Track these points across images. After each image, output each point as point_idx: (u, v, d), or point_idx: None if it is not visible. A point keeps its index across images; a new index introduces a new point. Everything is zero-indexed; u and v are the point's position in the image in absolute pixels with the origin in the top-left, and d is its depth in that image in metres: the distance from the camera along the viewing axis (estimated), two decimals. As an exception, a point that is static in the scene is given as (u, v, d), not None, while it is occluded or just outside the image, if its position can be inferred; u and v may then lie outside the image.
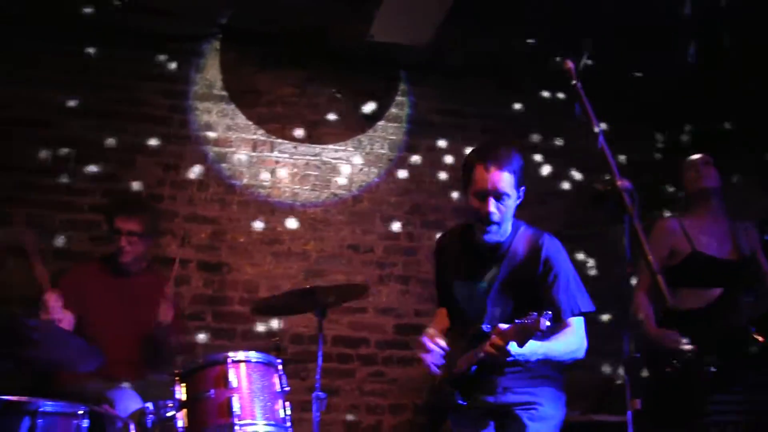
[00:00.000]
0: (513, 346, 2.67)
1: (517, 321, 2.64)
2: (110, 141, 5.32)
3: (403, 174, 5.75)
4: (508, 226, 3.06)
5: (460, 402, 3.02)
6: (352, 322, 5.41)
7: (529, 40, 5.38)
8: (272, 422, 3.16)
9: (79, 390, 3.86)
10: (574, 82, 2.50)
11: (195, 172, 5.41)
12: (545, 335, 2.73)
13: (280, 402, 3.26)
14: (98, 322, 4.20)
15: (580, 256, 5.66)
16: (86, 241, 5.12)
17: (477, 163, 2.97)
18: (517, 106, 5.98)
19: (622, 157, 5.90)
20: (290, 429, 3.24)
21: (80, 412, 3.34)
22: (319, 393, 3.75)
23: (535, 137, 6.00)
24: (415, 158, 5.79)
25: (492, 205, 2.94)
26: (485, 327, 2.93)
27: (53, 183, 5.16)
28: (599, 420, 4.67)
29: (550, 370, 3.06)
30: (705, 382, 3.78)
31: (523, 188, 3.03)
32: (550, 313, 2.58)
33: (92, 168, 5.24)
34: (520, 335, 2.63)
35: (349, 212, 5.59)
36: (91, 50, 5.40)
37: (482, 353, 2.80)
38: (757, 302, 3.89)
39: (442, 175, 5.79)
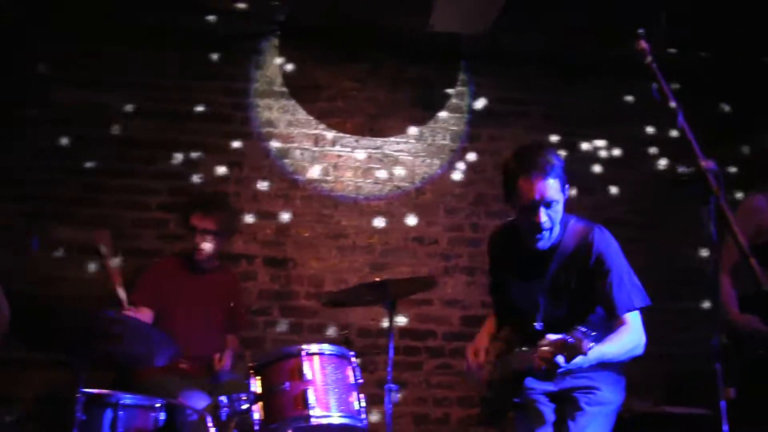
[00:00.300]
0: (561, 360, 2.61)
1: (562, 336, 2.56)
2: (174, 141, 5.41)
3: (465, 164, 5.70)
4: (558, 228, 3.02)
5: (516, 401, 3.06)
6: (419, 314, 5.40)
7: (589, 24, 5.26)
8: (347, 414, 3.17)
9: (154, 385, 3.94)
10: (649, 60, 2.44)
11: (258, 168, 5.45)
12: (597, 328, 2.65)
13: (354, 394, 3.26)
14: (174, 318, 4.30)
15: (663, 243, 5.57)
16: (155, 239, 5.21)
17: (520, 176, 2.91)
18: (580, 92, 5.88)
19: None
20: (365, 421, 3.24)
21: (157, 405, 3.43)
22: (391, 385, 3.74)
23: (596, 124, 5.90)
24: (478, 148, 5.74)
25: (543, 215, 2.90)
26: (538, 325, 2.96)
27: (121, 183, 5.26)
28: (674, 412, 4.55)
29: None
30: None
31: (567, 186, 2.98)
32: (594, 334, 2.50)
33: (159, 167, 5.33)
34: (566, 351, 2.57)
35: (413, 204, 5.57)
36: (152, 52, 5.49)
37: (533, 363, 2.76)
38: None
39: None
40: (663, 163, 5.83)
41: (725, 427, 2.07)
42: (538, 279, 3.04)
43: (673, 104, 2.29)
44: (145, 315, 4.26)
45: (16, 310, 2.72)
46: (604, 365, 2.95)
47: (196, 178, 5.36)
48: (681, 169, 2.29)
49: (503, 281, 3.25)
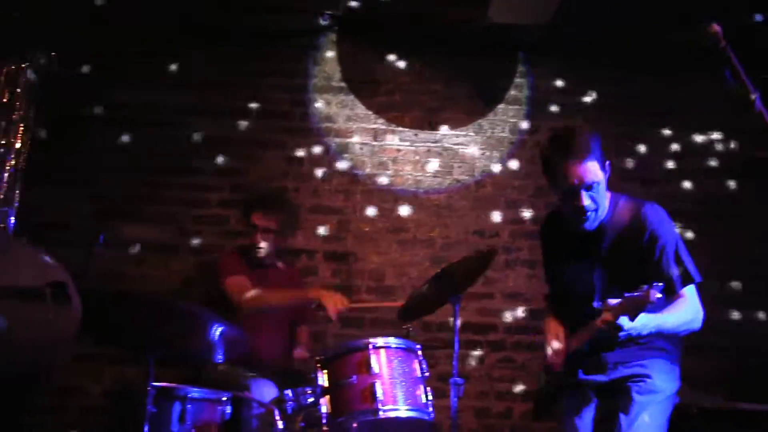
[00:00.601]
0: (624, 321, 2.61)
1: (626, 295, 2.56)
2: (234, 137, 5.46)
3: (525, 157, 5.66)
4: (605, 206, 3.00)
5: (581, 377, 3.04)
6: (480, 308, 5.37)
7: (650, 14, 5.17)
8: (414, 407, 3.16)
9: (222, 377, 3.99)
10: (723, 44, 2.40)
11: (318, 163, 5.48)
12: (657, 307, 2.65)
13: (421, 387, 3.25)
14: (241, 311, 4.31)
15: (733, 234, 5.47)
16: (216, 235, 5.27)
17: (558, 162, 2.91)
18: (643, 81, 5.77)
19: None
20: (432, 414, 3.24)
21: (224, 398, 3.49)
22: (457, 379, 3.72)
23: (660, 115, 5.79)
24: (537, 140, 5.68)
25: (585, 198, 2.89)
26: (596, 304, 2.89)
27: (182, 181, 5.34)
28: (748, 408, 4.42)
29: (664, 342, 2.98)
30: None
31: (608, 163, 2.96)
32: (660, 284, 2.48)
33: (219, 164, 5.39)
34: (631, 308, 2.56)
35: (473, 198, 5.54)
36: (211, 50, 5.56)
37: (594, 330, 2.77)
38: None
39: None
40: (733, 151, 5.70)
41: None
42: (592, 259, 3.03)
43: (750, 91, 2.26)
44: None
45: (87, 306, 2.77)
46: (656, 351, 2.96)
47: (256, 175, 5.40)
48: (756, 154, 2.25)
49: (557, 267, 3.26)
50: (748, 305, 5.33)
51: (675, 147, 5.71)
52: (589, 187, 2.88)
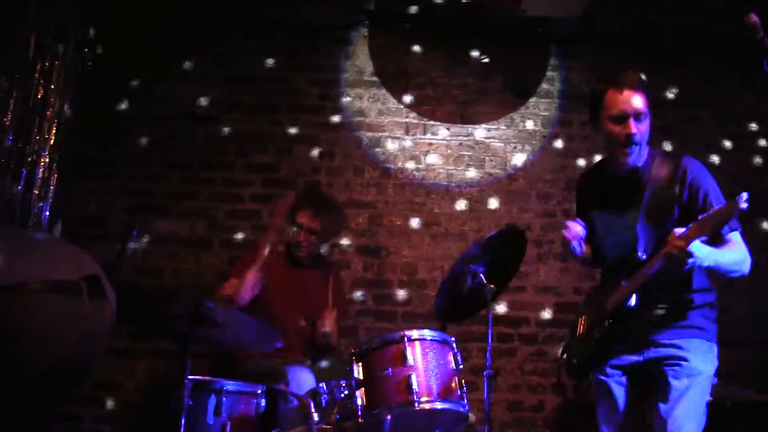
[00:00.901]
0: (696, 247, 2.63)
1: (701, 216, 2.61)
2: (266, 132, 5.49)
3: (557, 150, 5.64)
4: (644, 150, 3.06)
5: (613, 362, 3.06)
6: (512, 301, 5.36)
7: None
8: (449, 399, 3.17)
9: (256, 368, 4.03)
10: (760, 35, 2.39)
11: (350, 157, 5.50)
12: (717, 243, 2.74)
13: (456, 379, 3.25)
14: (274, 305, 4.36)
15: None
16: (249, 230, 5.31)
17: (610, 88, 2.99)
18: (675, 73, 5.72)
19: None
20: (467, 406, 3.24)
21: (259, 391, 3.53)
22: (489, 372, 3.71)
23: (693, 106, 5.74)
24: (569, 133, 5.66)
25: (633, 126, 2.95)
26: (641, 254, 2.93)
27: (215, 176, 5.38)
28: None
29: (701, 319, 2.98)
30: None
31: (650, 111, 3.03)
32: (745, 193, 2.50)
33: (251, 159, 5.42)
34: (711, 226, 2.59)
35: (505, 191, 5.54)
36: (243, 44, 5.60)
37: (659, 259, 2.75)
38: None
39: (598, 150, 5.62)
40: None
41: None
42: (635, 208, 3.04)
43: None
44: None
45: (122, 300, 2.81)
46: (692, 330, 2.96)
47: (287, 169, 5.43)
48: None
49: (595, 219, 3.24)
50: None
51: (710, 141, 5.67)
52: (638, 117, 2.96)
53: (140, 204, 5.22)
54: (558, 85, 5.76)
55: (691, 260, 2.65)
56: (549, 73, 5.78)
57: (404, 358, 3.14)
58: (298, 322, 4.39)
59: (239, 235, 5.29)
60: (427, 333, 3.29)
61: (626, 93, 2.95)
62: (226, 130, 5.46)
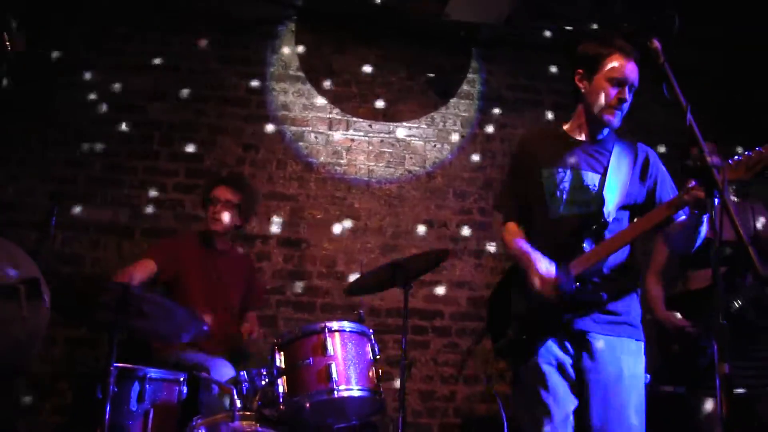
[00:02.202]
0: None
1: (734, 159, 2.62)
2: (191, 123, 5.54)
3: (475, 150, 5.85)
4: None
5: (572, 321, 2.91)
6: (427, 295, 5.56)
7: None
8: (367, 388, 3.31)
9: (175, 358, 4.09)
10: (661, 60, 2.57)
11: (273, 151, 5.59)
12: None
13: (373, 369, 3.40)
14: (190, 291, 4.39)
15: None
16: (171, 219, 5.35)
17: (619, 53, 3.01)
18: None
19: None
20: (383, 395, 3.39)
21: (181, 378, 3.60)
22: (404, 361, 3.91)
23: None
24: (488, 134, 5.88)
25: (628, 94, 3.01)
26: (607, 216, 2.93)
27: (140, 165, 5.41)
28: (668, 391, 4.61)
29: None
30: (704, 361, 3.84)
31: None
32: None
33: (176, 149, 5.47)
34: (753, 164, 2.60)
35: (424, 188, 5.72)
36: (170, 36, 5.63)
37: (684, 199, 2.71)
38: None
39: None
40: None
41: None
42: (599, 172, 3.04)
43: (683, 103, 2.44)
44: (147, 267, 4.32)
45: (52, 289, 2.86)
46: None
47: (211, 160, 5.49)
48: (687, 162, 2.43)
49: (547, 178, 3.08)
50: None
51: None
52: (631, 88, 3.02)
53: (61, 190, 5.20)
54: (478, 87, 5.97)
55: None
56: (470, 75, 5.98)
57: (324, 348, 3.27)
58: (215, 312, 4.41)
59: (161, 224, 5.32)
60: (346, 324, 3.42)
61: (632, 63, 3.00)
62: (153, 119, 5.48)
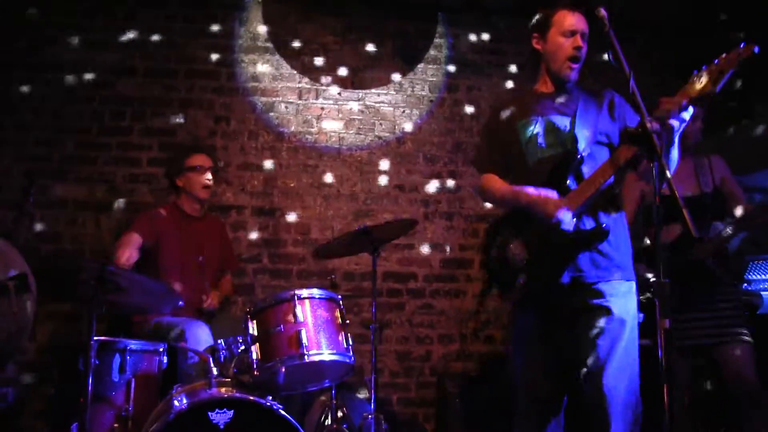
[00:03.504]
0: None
1: (707, 66, 2.70)
2: (162, 97, 5.61)
3: (444, 114, 5.94)
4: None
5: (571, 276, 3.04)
6: (401, 258, 5.69)
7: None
8: (336, 352, 3.44)
9: (154, 328, 4.22)
10: (607, 29, 2.69)
11: (244, 122, 5.67)
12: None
13: (342, 333, 3.53)
14: (168, 258, 4.58)
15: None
16: (147, 193, 5.44)
17: (563, 9, 3.22)
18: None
19: None
20: (352, 358, 3.53)
21: (161, 349, 3.73)
22: (374, 325, 4.06)
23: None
24: (456, 98, 5.97)
25: (581, 41, 3.19)
26: (581, 152, 3.07)
27: (114, 141, 5.48)
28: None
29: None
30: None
31: None
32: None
33: (148, 124, 5.53)
34: (720, 73, 2.65)
35: (394, 153, 5.82)
36: (138, 9, 5.66)
37: (659, 115, 2.74)
38: (723, 233, 4.00)
39: (483, 114, 5.91)
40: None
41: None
42: (568, 115, 3.20)
43: (626, 70, 2.56)
44: (135, 241, 4.51)
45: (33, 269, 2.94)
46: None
47: (184, 133, 5.57)
48: (628, 128, 2.55)
49: (521, 129, 3.25)
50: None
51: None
52: (584, 36, 3.21)
53: (36, 169, 5.25)
54: (445, 52, 6.03)
55: (678, 128, 2.75)
56: (437, 40, 6.04)
57: (294, 315, 3.40)
58: (193, 277, 4.58)
59: (138, 199, 5.41)
60: (315, 292, 3.55)
61: (578, 15, 3.20)
62: (124, 94, 5.53)
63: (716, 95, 2.67)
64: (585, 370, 2.99)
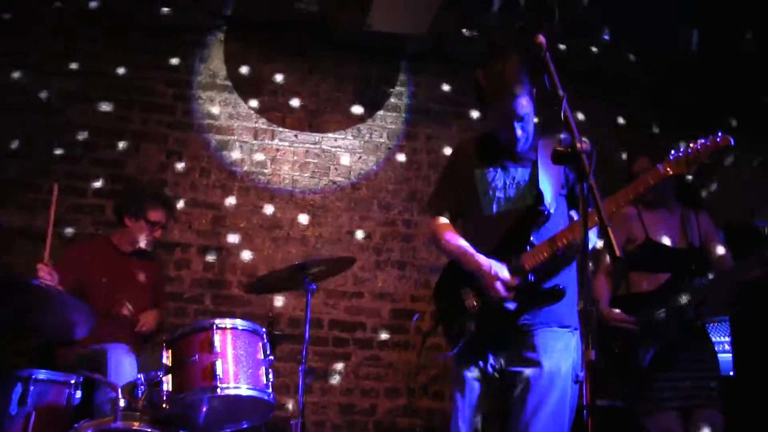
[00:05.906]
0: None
1: (674, 154, 2.79)
2: (115, 128, 5.47)
3: (401, 162, 5.85)
4: (531, 130, 3.09)
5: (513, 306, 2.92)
6: (349, 306, 5.52)
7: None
8: (254, 387, 3.24)
9: (77, 357, 4.00)
10: (543, 54, 2.61)
11: (197, 158, 5.54)
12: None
13: (264, 369, 3.33)
14: (97, 291, 4.34)
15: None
16: (90, 225, 5.28)
17: (495, 96, 3.01)
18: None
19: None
20: (272, 395, 3.32)
21: (73, 381, 3.49)
22: (303, 367, 3.85)
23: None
24: (414, 146, 5.89)
25: (519, 130, 3.01)
26: (547, 207, 2.95)
27: (61, 168, 5.32)
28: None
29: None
30: (642, 363, 3.86)
31: (534, 91, 3.03)
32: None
33: (99, 154, 5.40)
34: (695, 160, 2.76)
35: (348, 199, 5.70)
36: (98, 38, 5.57)
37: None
38: (704, 287, 3.91)
39: (441, 163, 5.84)
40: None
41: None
42: (530, 168, 3.08)
43: (561, 94, 2.48)
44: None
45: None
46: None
47: (134, 166, 5.42)
48: (558, 148, 2.45)
49: (480, 178, 3.14)
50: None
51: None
52: (521, 119, 3.00)
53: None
54: (405, 100, 5.98)
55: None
56: (398, 88, 6.00)
57: (211, 345, 3.20)
58: (120, 310, 4.38)
59: (81, 230, 5.24)
60: (238, 322, 3.37)
61: (510, 101, 2.97)
62: (76, 122, 5.41)
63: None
64: (514, 427, 2.85)
